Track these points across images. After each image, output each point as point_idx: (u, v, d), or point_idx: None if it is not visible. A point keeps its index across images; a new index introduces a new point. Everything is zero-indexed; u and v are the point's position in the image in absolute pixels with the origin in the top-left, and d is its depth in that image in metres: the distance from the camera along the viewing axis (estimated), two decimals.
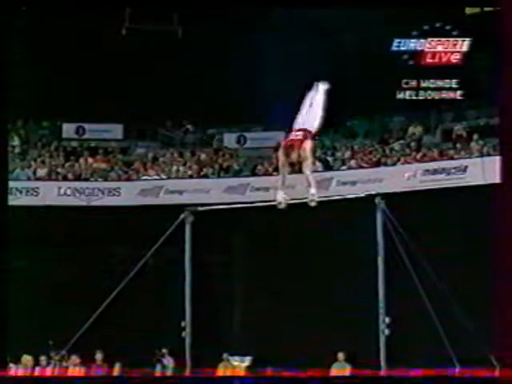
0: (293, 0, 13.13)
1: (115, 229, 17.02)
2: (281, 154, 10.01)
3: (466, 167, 16.13)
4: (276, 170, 18.22)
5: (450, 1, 13.75)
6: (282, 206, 10.08)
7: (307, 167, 9.90)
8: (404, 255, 14.93)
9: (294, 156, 9.85)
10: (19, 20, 11.66)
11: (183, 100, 19.13)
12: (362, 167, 17.48)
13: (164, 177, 18.55)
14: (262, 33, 18.56)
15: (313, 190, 9.97)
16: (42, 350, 15.92)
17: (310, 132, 10.06)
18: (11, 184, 16.26)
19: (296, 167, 10.05)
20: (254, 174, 18.30)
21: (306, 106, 10.43)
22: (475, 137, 17.03)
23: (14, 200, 16.04)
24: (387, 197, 15.30)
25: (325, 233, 16.15)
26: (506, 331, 10.58)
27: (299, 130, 10.08)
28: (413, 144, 17.65)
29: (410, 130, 17.89)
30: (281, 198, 10.00)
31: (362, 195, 15.20)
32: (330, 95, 17.97)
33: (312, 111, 10.33)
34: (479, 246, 14.34)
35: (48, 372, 15.59)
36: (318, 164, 17.97)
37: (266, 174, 18.05)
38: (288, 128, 10.45)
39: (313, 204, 9.96)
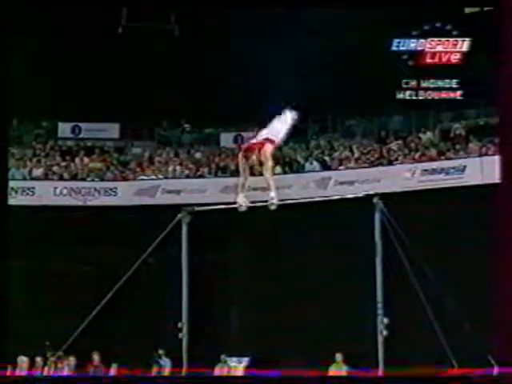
0: (292, 0, 13.07)
1: (111, 229, 16.94)
2: (240, 157, 10.03)
3: (465, 167, 16.10)
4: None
5: (450, 1, 13.73)
6: (243, 208, 10.06)
7: (267, 171, 9.91)
8: (402, 255, 14.89)
9: (253, 159, 9.92)
10: (17, 20, 11.57)
11: (180, 99, 19.06)
12: (360, 167, 17.43)
13: (161, 176, 18.47)
14: (260, 32, 18.51)
15: (272, 194, 9.95)
16: (38, 351, 15.84)
17: (271, 140, 10.08)
18: None
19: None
20: (251, 173, 18.20)
21: (272, 123, 10.47)
22: (474, 136, 17.00)
23: (9, 199, 15.93)
24: (385, 197, 15.26)
25: (323, 232, 16.10)
26: (505, 331, 10.54)
27: (260, 138, 10.10)
28: (412, 144, 17.63)
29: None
30: (241, 200, 9.98)
31: (360, 195, 15.17)
32: (329, 94, 17.97)
33: (277, 127, 10.38)
34: (478, 246, 14.30)
35: (44, 373, 15.53)
36: (316, 164, 17.93)
37: (263, 173, 17.97)
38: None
39: (273, 207, 9.95)
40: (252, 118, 19.43)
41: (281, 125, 10.43)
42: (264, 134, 10.19)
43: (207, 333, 16.38)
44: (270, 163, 9.93)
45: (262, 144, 9.93)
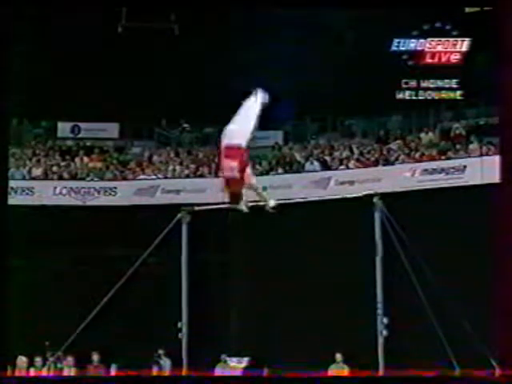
0: (292, 0, 13.05)
1: (111, 229, 16.92)
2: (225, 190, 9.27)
3: (465, 167, 16.07)
4: (272, 169, 18.25)
5: (450, 1, 13.71)
6: (245, 210, 9.77)
7: (256, 190, 9.33)
8: (402, 255, 14.87)
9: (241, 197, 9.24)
10: (17, 19, 11.56)
11: (180, 99, 19.04)
12: (360, 167, 17.41)
13: (160, 176, 18.45)
14: (260, 32, 18.50)
15: (271, 202, 9.56)
16: (37, 351, 15.83)
17: (242, 150, 9.04)
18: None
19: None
20: None
21: (240, 113, 9.48)
22: (474, 136, 16.97)
23: (9, 199, 15.89)
24: (385, 196, 15.25)
25: (323, 232, 16.07)
26: (506, 331, 10.53)
27: (232, 152, 8.95)
28: (412, 144, 17.61)
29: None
30: (244, 206, 9.62)
31: (361, 195, 15.15)
32: (329, 94, 17.89)
33: (245, 122, 9.37)
34: (478, 246, 14.29)
35: (43, 373, 15.51)
36: (316, 164, 17.92)
37: (263, 173, 18.00)
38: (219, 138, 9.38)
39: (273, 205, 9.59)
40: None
41: (249, 116, 9.43)
42: (229, 134, 9.15)
43: (207, 333, 16.36)
44: (253, 180, 9.24)
45: (241, 171, 9.04)
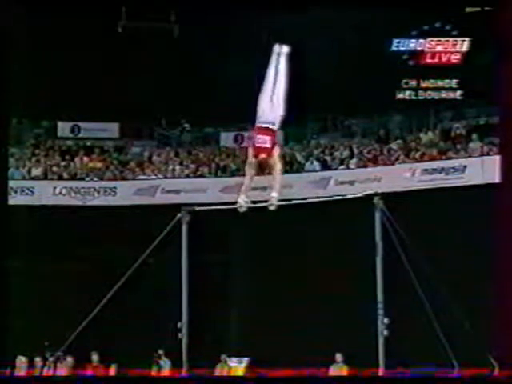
0: (293, 1, 13.06)
1: (111, 229, 16.91)
2: (251, 167, 9.61)
3: (465, 167, 16.06)
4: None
5: (450, 1, 13.72)
6: (243, 209, 9.96)
7: (276, 173, 9.66)
8: (402, 255, 14.89)
9: (266, 171, 9.74)
10: (17, 20, 11.58)
11: (180, 99, 19.04)
12: (360, 167, 17.41)
13: (160, 176, 18.46)
14: (260, 32, 18.48)
15: (274, 193, 9.84)
16: (37, 351, 15.84)
17: (275, 131, 9.75)
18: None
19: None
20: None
21: (269, 84, 10.11)
22: (474, 136, 16.96)
23: (8, 199, 15.93)
24: (386, 196, 15.26)
25: (323, 232, 16.08)
26: (506, 331, 10.57)
27: (265, 131, 9.65)
28: (412, 144, 17.60)
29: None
30: (242, 201, 9.89)
31: (361, 195, 15.16)
32: (329, 94, 17.84)
33: (276, 93, 10.07)
34: (478, 246, 14.29)
35: (43, 373, 15.52)
36: (317, 163, 17.92)
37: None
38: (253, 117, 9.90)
39: (272, 208, 9.83)
40: (252, 117, 19.41)
41: (279, 84, 10.14)
42: (266, 113, 9.86)
43: (207, 333, 16.38)
44: (279, 165, 9.84)
45: (270, 149, 9.77)
